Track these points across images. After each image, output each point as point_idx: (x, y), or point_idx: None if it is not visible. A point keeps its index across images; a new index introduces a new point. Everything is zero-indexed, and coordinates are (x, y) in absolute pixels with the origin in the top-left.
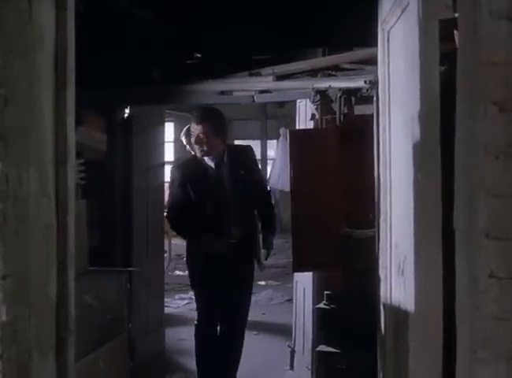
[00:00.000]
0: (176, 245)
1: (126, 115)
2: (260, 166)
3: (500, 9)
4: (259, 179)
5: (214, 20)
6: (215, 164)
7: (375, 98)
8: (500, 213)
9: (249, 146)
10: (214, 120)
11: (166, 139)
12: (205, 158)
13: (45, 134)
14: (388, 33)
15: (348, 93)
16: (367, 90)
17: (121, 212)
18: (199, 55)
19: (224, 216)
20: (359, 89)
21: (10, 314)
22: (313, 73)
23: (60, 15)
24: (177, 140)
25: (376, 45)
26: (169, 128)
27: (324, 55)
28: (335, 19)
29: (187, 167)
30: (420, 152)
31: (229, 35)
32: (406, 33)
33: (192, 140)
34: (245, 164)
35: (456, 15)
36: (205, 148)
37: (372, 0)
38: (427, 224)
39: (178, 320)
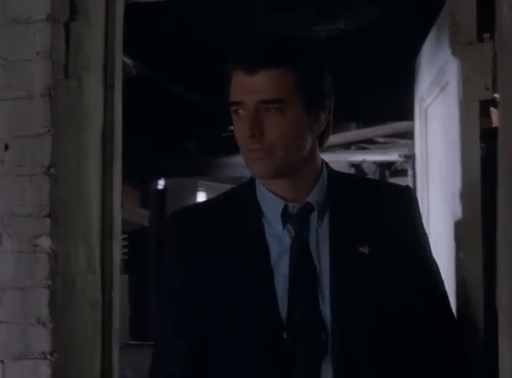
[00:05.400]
0: None
1: (161, 186)
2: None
3: None
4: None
5: None
6: (283, 217)
7: (409, 172)
8: None
9: (407, 186)
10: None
11: None
12: (269, 192)
13: (92, 210)
14: (426, 110)
15: (382, 166)
16: (401, 163)
17: (155, 284)
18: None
19: None
20: (393, 162)
21: None
22: (346, 146)
23: (108, 93)
24: None
25: (409, 118)
26: (201, 198)
27: (357, 128)
28: (368, 92)
29: (205, 228)
30: (461, 230)
31: None
32: (445, 111)
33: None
34: (386, 233)
35: (496, 95)
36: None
37: (406, 75)
38: (468, 302)
39: None
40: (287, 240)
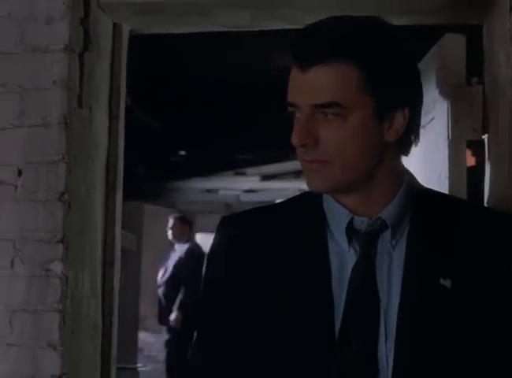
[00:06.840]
0: None
1: None
2: None
3: None
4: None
5: (199, 119)
6: (348, 233)
7: None
8: None
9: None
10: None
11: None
12: (335, 202)
13: (96, 236)
14: None
15: None
16: None
17: None
18: (184, 153)
19: None
20: None
21: None
22: (297, 174)
23: (113, 123)
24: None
25: None
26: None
27: None
28: None
29: (259, 241)
30: None
31: (215, 134)
32: (426, 147)
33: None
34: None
35: (483, 137)
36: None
37: None
38: None
39: None
40: (352, 262)
